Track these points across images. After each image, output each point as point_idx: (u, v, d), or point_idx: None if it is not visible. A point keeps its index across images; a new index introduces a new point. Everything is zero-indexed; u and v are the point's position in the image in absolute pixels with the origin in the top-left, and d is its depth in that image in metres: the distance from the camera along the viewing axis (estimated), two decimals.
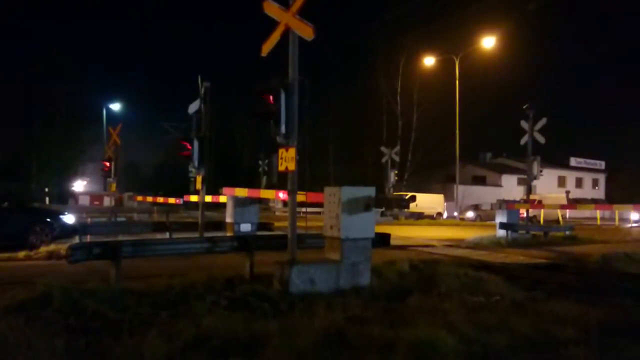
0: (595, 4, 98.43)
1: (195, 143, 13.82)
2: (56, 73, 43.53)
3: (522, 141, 21.60)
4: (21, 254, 12.47)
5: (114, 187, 24.22)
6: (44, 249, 13.00)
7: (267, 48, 8.95)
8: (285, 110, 8.47)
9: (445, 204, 44.33)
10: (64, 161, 46.33)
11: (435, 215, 41.56)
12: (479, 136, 64.31)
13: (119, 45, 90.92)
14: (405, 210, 38.64)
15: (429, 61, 42.97)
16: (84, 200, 37.38)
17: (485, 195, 49.72)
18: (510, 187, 55.51)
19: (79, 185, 47.48)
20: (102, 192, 32.19)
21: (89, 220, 21.43)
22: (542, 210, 31.93)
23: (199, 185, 14.35)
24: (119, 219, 22.62)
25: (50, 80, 43.78)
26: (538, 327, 6.40)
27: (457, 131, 40.82)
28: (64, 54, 44.37)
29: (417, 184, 48.59)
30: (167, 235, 15.00)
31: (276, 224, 17.97)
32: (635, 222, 35.23)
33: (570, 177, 65.87)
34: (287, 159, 8.49)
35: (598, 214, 38.06)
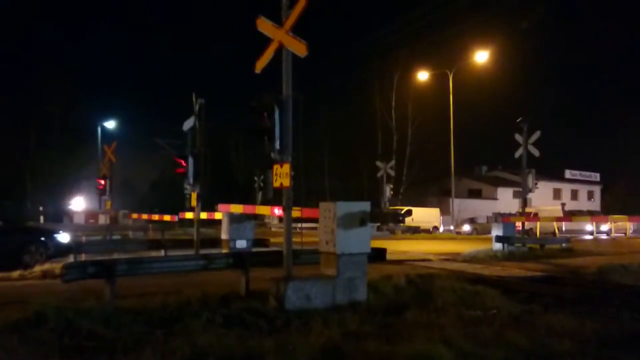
0: (588, 15, 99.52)
1: (190, 160, 13.84)
2: (50, 91, 43.59)
3: (517, 154, 21.68)
4: (15, 273, 12.39)
5: (109, 204, 24.16)
6: (38, 269, 12.90)
7: (260, 65, 9.01)
8: (279, 126, 8.49)
9: (441, 217, 44.32)
10: (58, 179, 46.22)
11: (431, 229, 41.52)
12: (474, 149, 64.76)
13: (113, 63, 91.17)
14: (401, 224, 38.68)
15: (422, 76, 43.28)
16: (79, 219, 37.16)
17: (481, 208, 49.74)
18: (506, 200, 55.52)
19: (79, 204, 47.00)
20: (97, 210, 32.04)
21: (83, 238, 21.33)
22: (538, 223, 31.96)
23: (194, 202, 14.33)
24: (114, 237, 22.50)
25: (45, 98, 43.83)
26: (535, 340, 6.39)
27: (452, 145, 41.00)
28: (58, 71, 44.44)
29: (412, 198, 48.61)
30: (162, 252, 14.93)
31: (272, 240, 17.93)
32: (591, 233, 35.22)
33: (566, 189, 66.03)
34: (281, 175, 8.50)
35: (594, 226, 38.12)
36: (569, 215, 37.10)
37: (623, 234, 37.20)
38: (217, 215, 17.16)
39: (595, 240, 30.22)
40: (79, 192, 47.75)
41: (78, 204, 46.71)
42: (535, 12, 45.23)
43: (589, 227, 35.55)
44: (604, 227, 36.76)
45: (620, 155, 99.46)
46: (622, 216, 30.69)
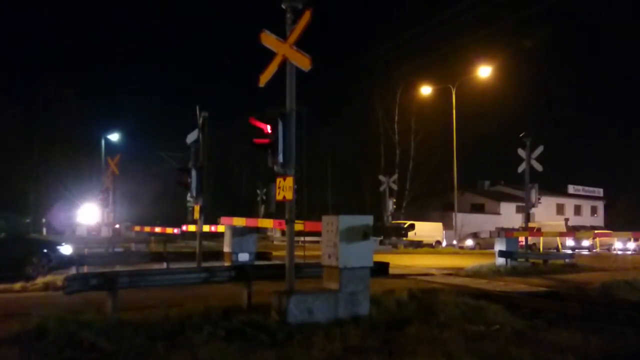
0: (591, 29, 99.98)
1: (194, 173, 13.85)
2: (55, 103, 43.84)
3: (520, 169, 21.69)
4: (17, 285, 12.38)
5: (112, 217, 24.16)
6: (40, 280, 12.91)
7: (264, 79, 9.04)
8: (282, 139, 8.51)
9: (444, 232, 44.20)
10: (61, 192, 46.30)
11: (434, 244, 41.37)
12: (476, 164, 64.72)
13: (117, 76, 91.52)
14: (404, 238, 38.57)
15: (425, 90, 43.42)
16: (81, 231, 37.13)
17: (484, 223, 49.58)
18: (509, 215, 55.36)
19: (91, 216, 46.47)
20: (100, 222, 32.04)
21: (86, 250, 21.31)
22: (542, 238, 31.85)
23: (196, 215, 14.32)
24: (116, 249, 22.47)
25: (49, 111, 44.07)
26: (538, 356, 6.35)
27: (455, 159, 41.06)
28: (62, 83, 44.72)
29: (415, 212, 48.51)
30: (164, 265, 14.92)
31: (274, 253, 17.89)
32: (572, 248, 34.93)
33: (569, 204, 65.85)
34: (284, 188, 8.50)
35: (598, 241, 37.99)
36: (572, 230, 37.01)
37: (607, 250, 37.07)
38: (220, 228, 17.13)
39: (580, 256, 29.90)
40: (82, 204, 47.68)
41: (90, 216, 46.26)
42: (539, 32, 45.43)
43: (570, 242, 35.31)
44: (585, 243, 36.51)
45: (623, 170, 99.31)
46: (625, 232, 30.56)
